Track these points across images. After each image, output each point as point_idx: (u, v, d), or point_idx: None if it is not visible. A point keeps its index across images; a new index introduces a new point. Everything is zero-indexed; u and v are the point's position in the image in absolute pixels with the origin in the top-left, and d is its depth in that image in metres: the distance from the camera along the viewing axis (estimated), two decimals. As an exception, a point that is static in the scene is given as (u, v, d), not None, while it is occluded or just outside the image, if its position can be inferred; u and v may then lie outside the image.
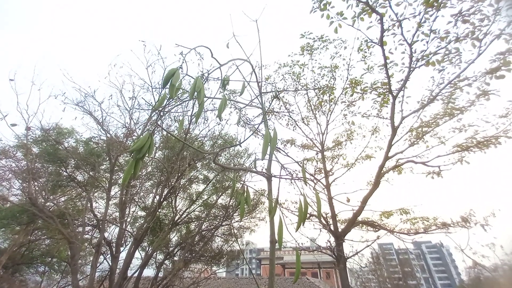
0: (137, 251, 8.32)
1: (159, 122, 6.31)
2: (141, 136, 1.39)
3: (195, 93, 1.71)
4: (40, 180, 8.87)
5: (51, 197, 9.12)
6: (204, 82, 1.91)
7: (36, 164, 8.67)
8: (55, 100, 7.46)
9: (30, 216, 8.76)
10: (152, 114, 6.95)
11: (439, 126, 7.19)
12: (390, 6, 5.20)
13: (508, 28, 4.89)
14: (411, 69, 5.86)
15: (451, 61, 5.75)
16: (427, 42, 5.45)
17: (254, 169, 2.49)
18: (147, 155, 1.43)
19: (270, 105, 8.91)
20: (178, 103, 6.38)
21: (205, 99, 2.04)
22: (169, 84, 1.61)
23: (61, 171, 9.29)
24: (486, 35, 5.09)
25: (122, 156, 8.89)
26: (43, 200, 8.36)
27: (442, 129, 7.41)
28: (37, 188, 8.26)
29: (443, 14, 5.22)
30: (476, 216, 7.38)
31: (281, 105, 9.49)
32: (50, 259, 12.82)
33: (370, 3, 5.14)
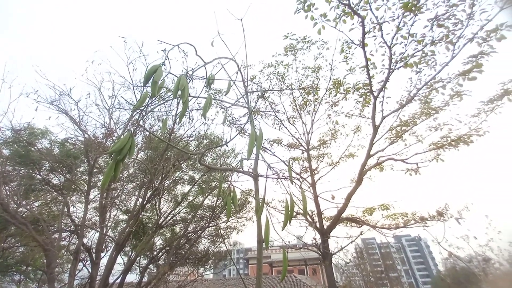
0: (119, 256, 8.01)
1: (141, 122, 6.08)
2: (122, 137, 1.32)
3: (179, 92, 1.65)
4: (11, 184, 8.29)
5: (24, 202, 8.56)
6: (188, 80, 1.85)
7: (6, 167, 8.10)
8: (27, 99, 6.98)
9: (3, 223, 8.16)
10: (134, 114, 6.70)
11: (417, 125, 7.54)
12: (371, 9, 5.36)
13: (480, 31, 5.20)
14: (391, 70, 6.08)
15: (427, 63, 6.04)
16: (406, 45, 5.68)
17: (240, 169, 2.45)
18: (127, 156, 1.35)
19: (256, 105, 8.91)
20: (161, 102, 6.20)
21: (189, 98, 1.98)
22: (150, 81, 1.54)
23: (34, 174, 8.74)
24: (459, 39, 5.39)
25: (101, 157, 8.52)
26: (15, 206, 7.82)
27: (419, 128, 7.79)
28: (8, 193, 7.71)
29: (420, 18, 5.47)
30: (451, 210, 7.82)
31: (267, 105, 9.53)
32: (25, 267, 12.06)
33: (352, 6, 5.27)
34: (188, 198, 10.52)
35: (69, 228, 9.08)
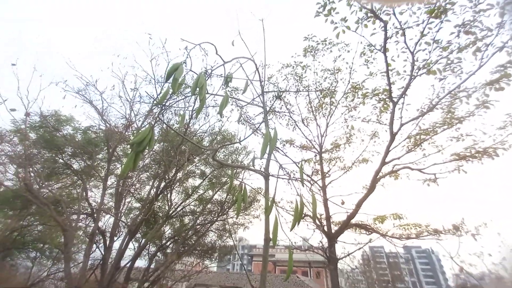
0: (130, 242, 8.34)
1: (160, 116, 6.29)
2: (142, 129, 1.41)
3: (197, 89, 1.72)
4: (36, 166, 8.82)
5: (46, 183, 9.08)
6: (206, 78, 1.92)
7: (32, 150, 8.61)
8: (55, 88, 7.39)
9: (24, 202, 8.72)
10: (153, 107, 6.92)
11: (437, 135, 7.26)
12: (394, 14, 5.22)
13: (511, 41, 4.94)
14: (412, 77, 5.90)
15: (452, 71, 5.80)
16: (430, 51, 5.49)
17: (252, 168, 2.51)
18: (147, 148, 1.44)
19: (272, 105, 8.92)
20: (180, 98, 6.35)
21: (206, 95, 2.05)
22: (172, 78, 1.62)
23: (57, 158, 9.24)
24: (488, 46, 5.14)
25: (119, 146, 8.87)
26: (37, 186, 8.32)
27: (439, 137, 7.49)
28: (32, 174, 8.22)
29: (446, 24, 5.26)
30: (467, 225, 7.51)
31: (282, 105, 9.50)
32: (42, 245, 12.80)
33: (375, 10, 5.15)
34: (198, 191, 10.75)
35: (86, 211, 9.57)
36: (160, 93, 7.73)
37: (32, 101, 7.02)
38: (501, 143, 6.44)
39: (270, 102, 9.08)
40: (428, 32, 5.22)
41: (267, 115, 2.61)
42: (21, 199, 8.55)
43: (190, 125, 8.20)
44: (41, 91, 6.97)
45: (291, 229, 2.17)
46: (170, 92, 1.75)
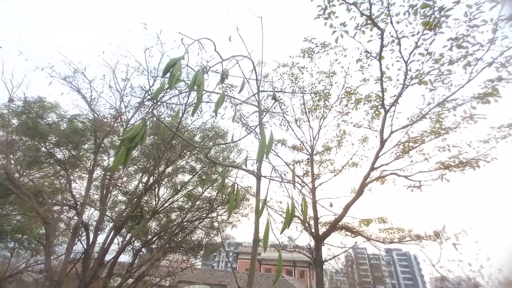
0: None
1: (154, 112, 6.15)
2: (135, 124, 1.36)
3: (195, 86, 1.68)
4: (17, 153, 8.44)
5: (27, 171, 8.70)
6: (203, 74, 1.89)
7: (14, 136, 8.23)
8: (42, 73, 7.06)
9: (3, 191, 8.34)
10: (144, 100, 6.75)
11: (425, 143, 7.48)
12: (391, 22, 5.30)
13: (500, 57, 5.13)
14: (405, 86, 6.03)
15: (443, 82, 5.97)
16: (423, 62, 5.63)
17: (244, 168, 2.49)
18: (139, 144, 1.39)
19: (272, 106, 8.91)
20: (175, 93, 6.22)
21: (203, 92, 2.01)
22: (169, 73, 1.57)
23: (40, 146, 8.88)
24: (478, 61, 5.32)
25: (107, 137, 8.61)
26: (17, 175, 7.96)
27: (427, 146, 7.72)
28: (13, 162, 7.86)
29: (439, 36, 5.39)
30: (448, 232, 7.80)
31: (276, 105, 9.51)
32: (20, 236, 12.31)
33: (373, 17, 5.22)
34: (187, 187, 10.61)
35: (69, 203, 9.26)
36: (153, 85, 7.55)
37: (16, 86, 6.70)
38: (484, 156, 6.71)
39: (265, 101, 9.09)
40: (422, 44, 5.34)
41: (261, 114, 2.60)
42: (0, 187, 8.17)
43: (182, 120, 8.06)
44: (26, 76, 6.66)
45: (281, 232, 2.17)
46: (165, 87, 1.71)
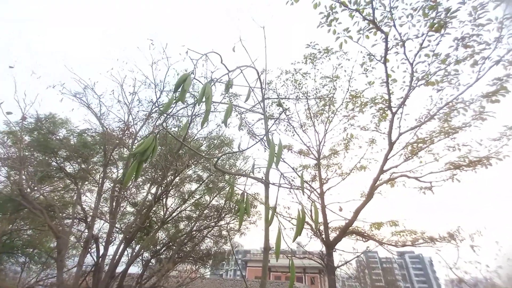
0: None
1: (163, 125, 6.24)
2: (146, 138, 1.39)
3: (203, 99, 1.72)
4: (29, 169, 8.60)
5: (37, 187, 8.84)
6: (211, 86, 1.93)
7: (25, 153, 8.40)
8: (53, 90, 7.25)
9: (16, 206, 8.47)
10: (152, 113, 6.85)
11: (434, 144, 7.37)
12: (395, 26, 5.32)
13: (508, 55, 5.08)
14: (411, 87, 6.00)
15: (450, 82, 5.92)
16: (428, 63, 5.60)
17: (252, 175, 2.49)
18: (150, 158, 1.41)
19: (279, 114, 8.94)
20: (183, 105, 6.31)
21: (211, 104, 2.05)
22: (180, 88, 1.61)
23: (50, 161, 9.04)
24: (485, 60, 5.27)
25: (116, 150, 8.72)
26: (29, 190, 8.09)
27: (436, 146, 7.60)
28: (24, 177, 8.01)
29: (445, 36, 5.38)
30: (463, 233, 7.59)
31: (281, 111, 9.53)
32: (31, 250, 12.41)
33: (376, 21, 5.24)
34: (194, 196, 10.60)
35: (79, 215, 9.34)
36: (159, 97, 7.67)
37: (29, 104, 6.89)
38: (495, 154, 6.57)
39: (270, 108, 9.12)
40: (428, 45, 5.33)
41: (268, 121, 2.61)
42: (12, 203, 8.31)
43: (189, 130, 8.13)
44: (39, 94, 6.85)
45: (294, 240, 2.15)
46: (174, 101, 1.75)
